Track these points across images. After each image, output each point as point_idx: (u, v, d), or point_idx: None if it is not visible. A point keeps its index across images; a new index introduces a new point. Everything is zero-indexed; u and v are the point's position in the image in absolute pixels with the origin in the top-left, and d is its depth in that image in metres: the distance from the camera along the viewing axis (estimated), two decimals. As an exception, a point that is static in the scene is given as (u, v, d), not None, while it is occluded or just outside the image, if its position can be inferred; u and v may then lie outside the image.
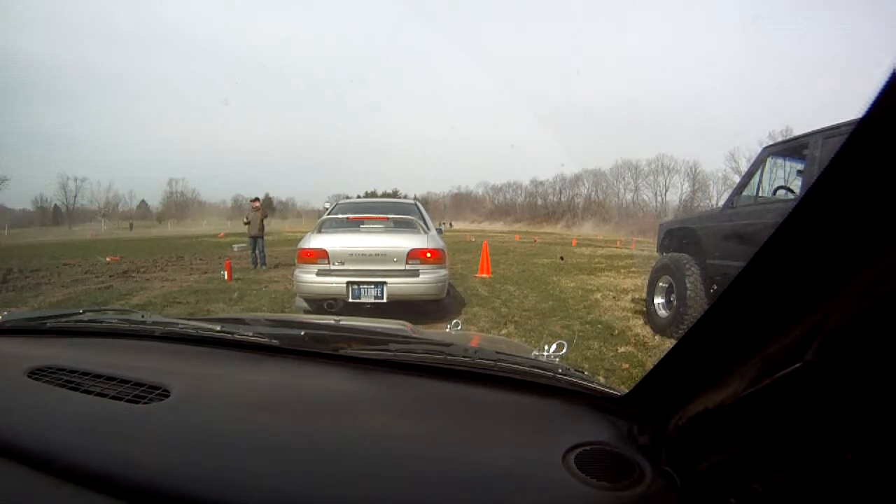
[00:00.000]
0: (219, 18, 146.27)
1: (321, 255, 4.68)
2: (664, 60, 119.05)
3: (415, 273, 4.65)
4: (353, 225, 5.06)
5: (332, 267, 4.65)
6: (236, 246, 16.64)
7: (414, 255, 4.67)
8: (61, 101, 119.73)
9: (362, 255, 4.66)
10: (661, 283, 5.19)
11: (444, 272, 4.81)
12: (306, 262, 4.72)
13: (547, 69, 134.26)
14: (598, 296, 7.20)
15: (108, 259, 12.91)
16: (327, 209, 5.96)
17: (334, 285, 4.62)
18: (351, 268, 4.64)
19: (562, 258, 14.30)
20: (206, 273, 9.83)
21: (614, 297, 7.08)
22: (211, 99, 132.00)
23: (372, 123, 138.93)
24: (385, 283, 4.60)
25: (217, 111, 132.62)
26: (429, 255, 4.69)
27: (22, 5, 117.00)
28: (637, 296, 6.93)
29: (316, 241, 4.78)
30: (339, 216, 5.26)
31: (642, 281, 7.71)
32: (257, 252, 10.43)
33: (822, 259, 0.35)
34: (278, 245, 19.15)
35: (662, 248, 5.70)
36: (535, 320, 5.42)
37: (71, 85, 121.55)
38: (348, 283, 4.60)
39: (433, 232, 5.22)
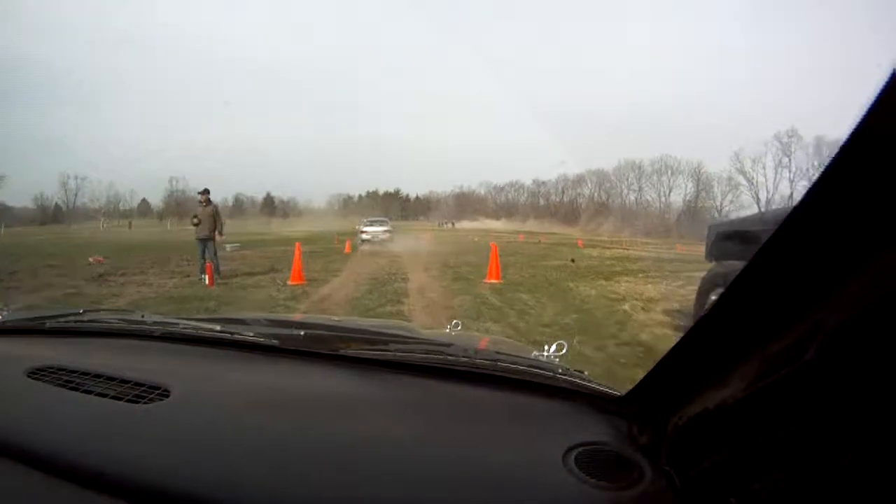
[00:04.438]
0: (221, 19, 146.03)
1: (364, 231, 19.68)
2: (668, 60, 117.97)
3: (388, 234, 19.64)
4: (372, 223, 20.93)
5: (368, 234, 19.49)
6: (229, 246, 15.86)
7: (386, 231, 20.00)
8: (63, 101, 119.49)
9: (374, 231, 19.69)
10: (713, 297, 4.28)
11: (391, 233, 20.03)
12: (362, 233, 19.46)
13: (549, 69, 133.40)
14: (626, 307, 6.40)
15: (91, 260, 12.27)
16: (363, 222, 21.63)
17: (369, 237, 19.14)
18: (372, 234, 19.41)
19: (572, 260, 13.71)
20: (189, 276, 9.10)
21: (644, 309, 6.28)
22: (212, 99, 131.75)
23: (374, 123, 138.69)
24: (381, 236, 19.50)
25: (218, 111, 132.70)
26: (390, 229, 20.34)
27: (25, 7, 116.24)
28: (668, 307, 6.06)
29: (364, 228, 20.11)
30: (367, 222, 21.18)
31: (666, 287, 6.81)
32: (207, 257, 8.40)
33: (822, 259, 0.35)
34: (276, 245, 18.40)
35: (714, 254, 4.79)
36: (560, 339, 4.50)
37: (72, 85, 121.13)
38: (373, 235, 19.34)
39: (389, 225, 21.01)
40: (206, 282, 7.95)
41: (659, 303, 6.64)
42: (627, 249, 24.34)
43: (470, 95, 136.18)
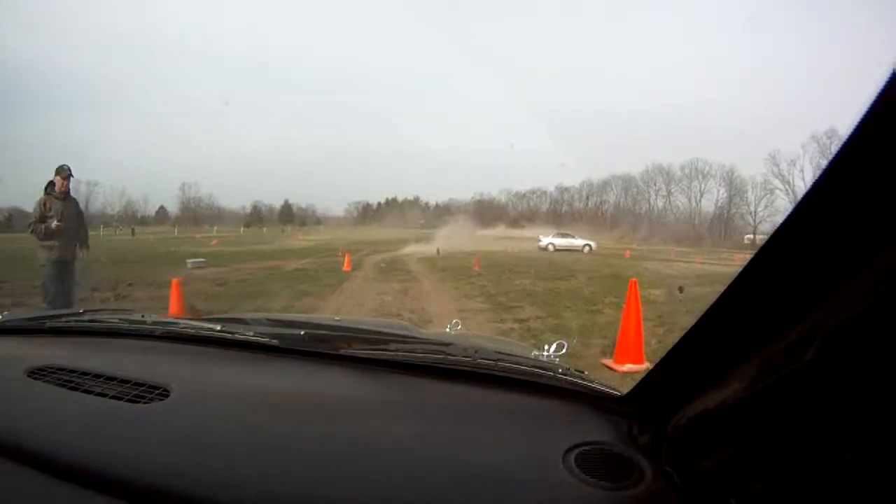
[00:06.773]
0: (236, 25, 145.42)
1: (553, 243, 27.71)
2: (699, 61, 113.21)
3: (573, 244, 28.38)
4: (564, 236, 29.91)
5: (561, 244, 27.58)
6: (190, 261, 12.15)
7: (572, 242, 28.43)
8: (73, 105, 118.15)
9: (562, 242, 29.12)
10: None
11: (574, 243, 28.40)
12: (554, 243, 27.31)
13: (572, 73, 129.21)
14: None
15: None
16: (553, 233, 28.95)
17: (560, 246, 27.08)
18: (565, 244, 27.62)
19: (680, 290, 9.22)
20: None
21: None
22: (229, 106, 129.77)
23: (393, 130, 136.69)
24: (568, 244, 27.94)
25: (236, 118, 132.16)
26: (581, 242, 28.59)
27: (39, 15, 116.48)
28: None
29: (554, 239, 28.09)
30: (559, 234, 29.58)
31: None
32: (63, 294, 4.65)
33: (822, 259, 0.35)
34: (264, 259, 14.16)
35: None
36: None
37: (82, 90, 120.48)
38: (566, 244, 27.70)
39: (580, 239, 28.74)
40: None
41: None
42: (692, 263, 19.86)
43: (491, 101, 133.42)
